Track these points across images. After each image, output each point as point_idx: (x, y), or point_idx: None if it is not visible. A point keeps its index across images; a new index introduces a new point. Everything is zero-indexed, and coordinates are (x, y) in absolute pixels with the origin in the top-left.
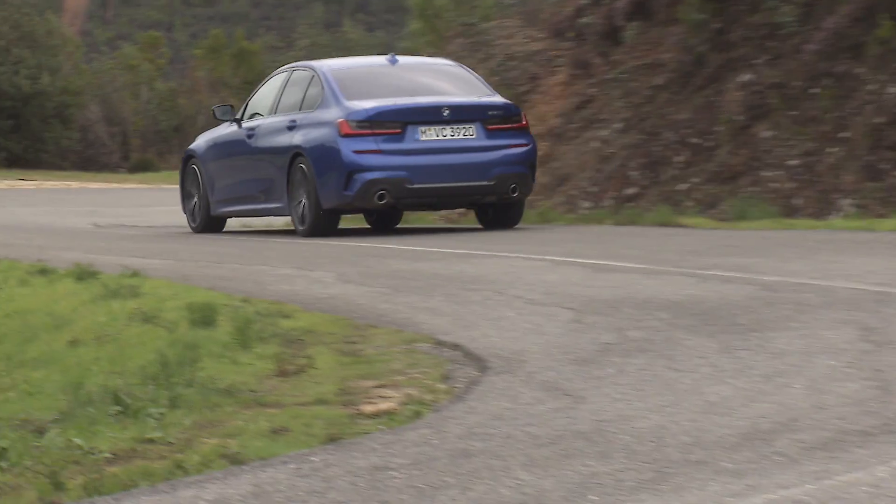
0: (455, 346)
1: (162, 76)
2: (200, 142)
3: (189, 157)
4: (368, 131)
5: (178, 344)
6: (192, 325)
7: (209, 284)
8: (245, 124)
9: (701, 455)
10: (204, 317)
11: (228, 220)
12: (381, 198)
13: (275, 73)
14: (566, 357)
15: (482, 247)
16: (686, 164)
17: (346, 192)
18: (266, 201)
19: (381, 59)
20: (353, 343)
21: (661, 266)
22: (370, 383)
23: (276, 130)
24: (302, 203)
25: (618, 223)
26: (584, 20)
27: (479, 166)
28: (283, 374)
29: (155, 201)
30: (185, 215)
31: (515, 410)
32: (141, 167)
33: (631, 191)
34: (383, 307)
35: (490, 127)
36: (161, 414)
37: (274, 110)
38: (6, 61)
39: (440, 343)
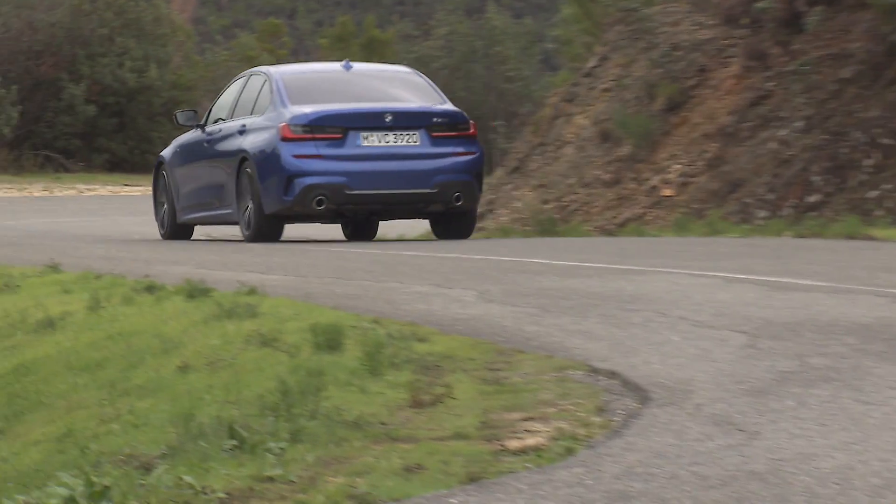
0: (612, 374)
1: None
2: (170, 147)
3: (160, 164)
4: (309, 136)
5: (301, 370)
6: (315, 350)
7: (335, 303)
8: (207, 129)
9: (893, 500)
10: (329, 340)
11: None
12: (319, 203)
13: (236, 77)
14: (738, 387)
15: (643, 261)
16: (877, 169)
17: (285, 197)
18: (219, 207)
19: (335, 66)
20: (497, 370)
21: (848, 284)
22: (516, 416)
23: (229, 135)
24: (248, 208)
25: (798, 235)
26: (761, 5)
27: (422, 173)
28: (417, 404)
29: None
30: (156, 223)
31: (681, 447)
32: None
33: (813, 198)
34: (531, 329)
35: (435, 134)
36: (281, 449)
37: (231, 115)
38: (109, 52)
39: (595, 370)
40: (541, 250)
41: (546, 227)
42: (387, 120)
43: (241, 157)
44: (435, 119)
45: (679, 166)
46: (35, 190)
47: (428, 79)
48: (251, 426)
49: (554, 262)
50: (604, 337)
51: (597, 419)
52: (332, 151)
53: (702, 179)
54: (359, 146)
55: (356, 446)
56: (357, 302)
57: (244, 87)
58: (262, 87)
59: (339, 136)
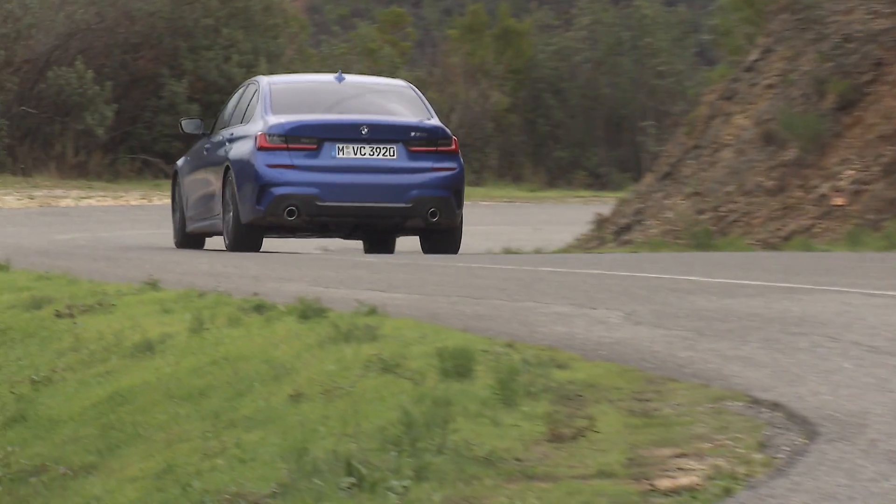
0: (775, 406)
1: (407, 63)
2: (184, 156)
3: (175, 172)
4: (284, 146)
5: (426, 400)
6: (442, 377)
7: (464, 325)
8: (211, 137)
9: None
10: (458, 366)
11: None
12: (290, 213)
13: (241, 85)
14: None
15: (811, 279)
16: None
17: (258, 207)
18: (212, 216)
19: (327, 77)
20: (646, 400)
21: None
22: (667, 452)
23: (220, 144)
24: (229, 218)
25: None
26: None
27: (397, 187)
28: (556, 438)
29: None
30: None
31: (853, 488)
32: None
33: None
34: (684, 355)
35: (413, 149)
36: (405, 488)
37: (227, 124)
38: (215, 45)
39: (756, 402)
40: (695, 266)
41: (701, 240)
42: (363, 132)
43: (226, 165)
44: (413, 133)
45: (852, 172)
46: (132, 198)
47: (421, 94)
48: (371, 462)
49: (710, 280)
50: (766, 364)
51: (758, 456)
52: (305, 162)
53: (878, 187)
54: (333, 158)
55: (488, 485)
56: (489, 323)
57: (241, 95)
58: (253, 96)
59: (314, 146)
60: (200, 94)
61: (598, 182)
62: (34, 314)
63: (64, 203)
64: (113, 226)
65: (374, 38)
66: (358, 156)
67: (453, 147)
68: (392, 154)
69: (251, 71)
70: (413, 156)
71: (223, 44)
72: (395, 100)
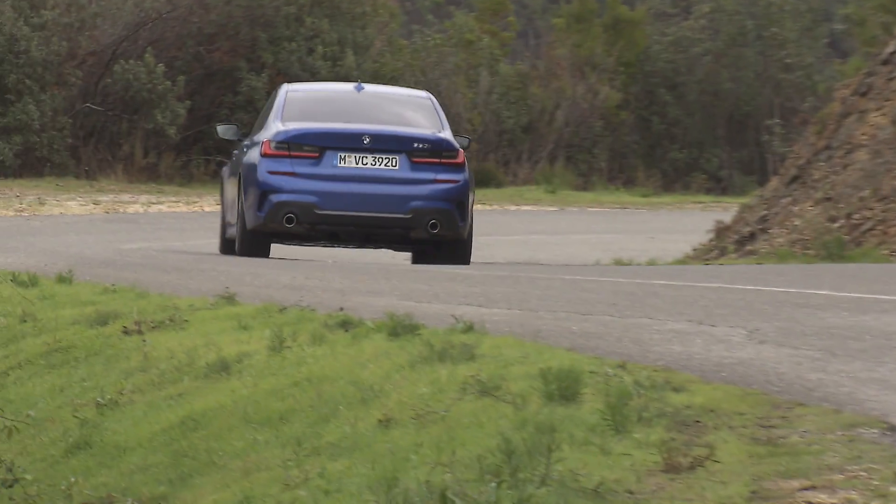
0: None
1: (508, 55)
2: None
3: (221, 177)
4: (286, 153)
5: (528, 426)
6: (546, 401)
7: (571, 343)
8: (244, 142)
9: None
10: (563, 389)
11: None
12: (289, 221)
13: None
14: None
15: None
16: None
17: (259, 213)
18: (234, 223)
19: (347, 86)
20: (771, 427)
21: None
22: (794, 484)
23: (242, 150)
24: (241, 223)
25: None
26: None
27: (397, 198)
28: (672, 468)
29: (497, 228)
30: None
31: None
32: (478, 181)
33: None
34: (813, 378)
35: (416, 160)
36: None
37: (256, 130)
38: (297, 35)
39: (893, 429)
40: (826, 279)
41: (833, 250)
42: (365, 142)
43: (240, 172)
44: (417, 144)
45: None
46: (206, 204)
47: (439, 105)
48: (467, 494)
49: (842, 294)
50: None
51: None
52: (306, 170)
53: None
54: (334, 166)
55: None
56: (598, 342)
57: (269, 102)
58: (274, 102)
59: (316, 155)
60: None
61: (718, 186)
62: (99, 331)
63: (132, 209)
64: (185, 234)
65: (472, 27)
66: (359, 165)
67: (459, 160)
68: (394, 164)
69: (337, 64)
70: (415, 167)
71: (306, 34)
72: (409, 111)
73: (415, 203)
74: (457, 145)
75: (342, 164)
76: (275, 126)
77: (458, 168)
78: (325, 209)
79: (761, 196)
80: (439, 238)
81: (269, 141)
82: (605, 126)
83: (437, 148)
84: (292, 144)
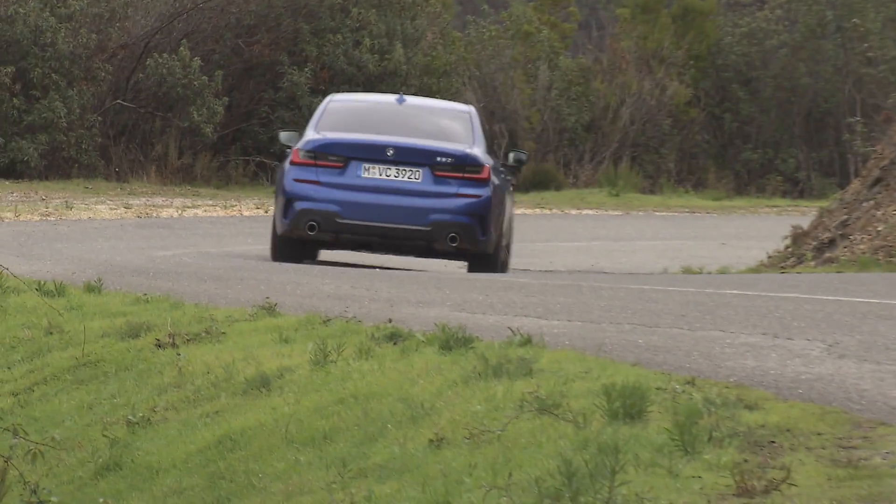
0: None
1: (569, 48)
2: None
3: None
4: (312, 162)
5: (591, 446)
6: (610, 419)
7: (636, 358)
8: None
9: None
10: (628, 406)
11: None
12: (311, 229)
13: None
14: None
15: None
16: None
17: (284, 220)
18: None
19: (389, 98)
20: (852, 448)
21: None
22: None
23: (285, 156)
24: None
25: None
26: None
27: (417, 210)
28: (745, 492)
29: (557, 233)
30: None
31: None
32: (537, 183)
33: None
34: None
35: (439, 173)
36: None
37: (299, 138)
38: (342, 27)
39: None
40: None
41: None
42: (389, 154)
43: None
44: (440, 158)
45: None
46: (245, 208)
47: (478, 120)
48: None
49: None
50: None
51: None
52: (330, 179)
53: None
54: (358, 177)
55: None
56: (665, 356)
57: (316, 110)
58: (316, 111)
59: (341, 164)
60: (325, 84)
61: (795, 189)
62: (130, 344)
63: (165, 213)
64: (223, 240)
65: (531, 18)
66: (382, 176)
67: (483, 175)
68: (416, 177)
69: (385, 57)
70: (438, 180)
71: (352, 26)
72: (445, 124)
73: (435, 216)
74: (482, 160)
75: (366, 174)
76: (308, 135)
77: (482, 183)
78: (347, 218)
79: (841, 199)
80: (461, 251)
81: (298, 150)
82: (673, 124)
83: (460, 162)
84: (318, 154)
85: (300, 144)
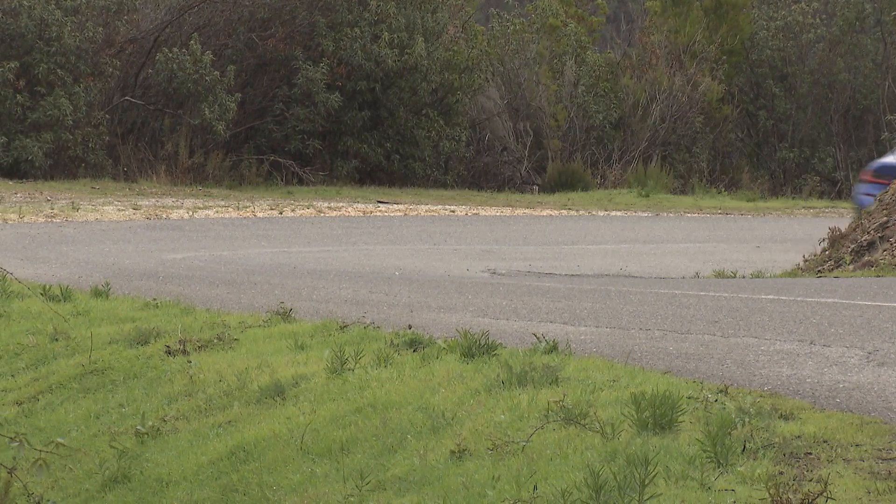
0: None
1: (597, 42)
2: None
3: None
4: (874, 180)
5: (619, 458)
6: (639, 430)
7: (666, 365)
8: None
9: None
10: (658, 416)
11: None
12: None
13: None
14: None
15: None
16: None
17: None
18: None
19: None
20: (892, 460)
21: None
22: None
23: None
24: None
25: None
26: None
27: None
28: None
29: (584, 235)
30: None
31: None
32: (563, 184)
33: None
34: None
35: None
36: None
37: None
38: (360, 20)
39: None
40: None
41: None
42: None
43: None
44: None
45: None
46: (259, 209)
47: None
48: None
49: None
50: None
51: None
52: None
53: None
54: None
55: None
56: (697, 364)
57: None
58: None
59: (886, 182)
60: (343, 80)
61: (833, 189)
62: (140, 351)
63: (175, 214)
64: (235, 242)
65: (557, 11)
66: None
67: None
68: None
69: (405, 52)
70: None
71: (371, 19)
72: None
73: None
74: None
75: None
76: (881, 158)
77: None
78: None
79: (881, 201)
80: None
81: (870, 169)
82: (705, 122)
83: None
84: (877, 174)
85: (870, 165)
